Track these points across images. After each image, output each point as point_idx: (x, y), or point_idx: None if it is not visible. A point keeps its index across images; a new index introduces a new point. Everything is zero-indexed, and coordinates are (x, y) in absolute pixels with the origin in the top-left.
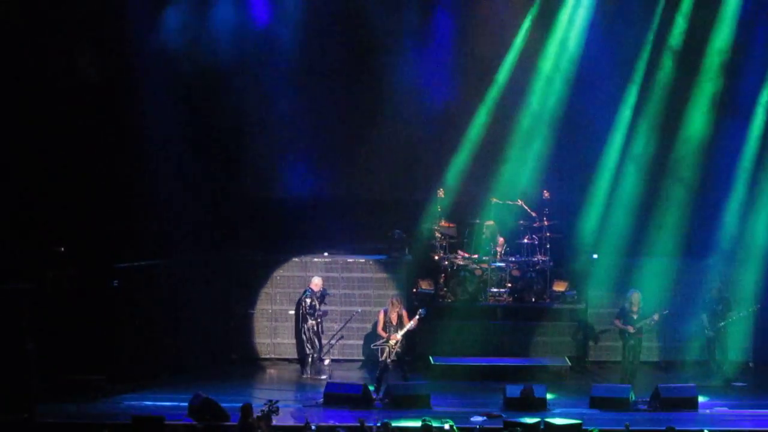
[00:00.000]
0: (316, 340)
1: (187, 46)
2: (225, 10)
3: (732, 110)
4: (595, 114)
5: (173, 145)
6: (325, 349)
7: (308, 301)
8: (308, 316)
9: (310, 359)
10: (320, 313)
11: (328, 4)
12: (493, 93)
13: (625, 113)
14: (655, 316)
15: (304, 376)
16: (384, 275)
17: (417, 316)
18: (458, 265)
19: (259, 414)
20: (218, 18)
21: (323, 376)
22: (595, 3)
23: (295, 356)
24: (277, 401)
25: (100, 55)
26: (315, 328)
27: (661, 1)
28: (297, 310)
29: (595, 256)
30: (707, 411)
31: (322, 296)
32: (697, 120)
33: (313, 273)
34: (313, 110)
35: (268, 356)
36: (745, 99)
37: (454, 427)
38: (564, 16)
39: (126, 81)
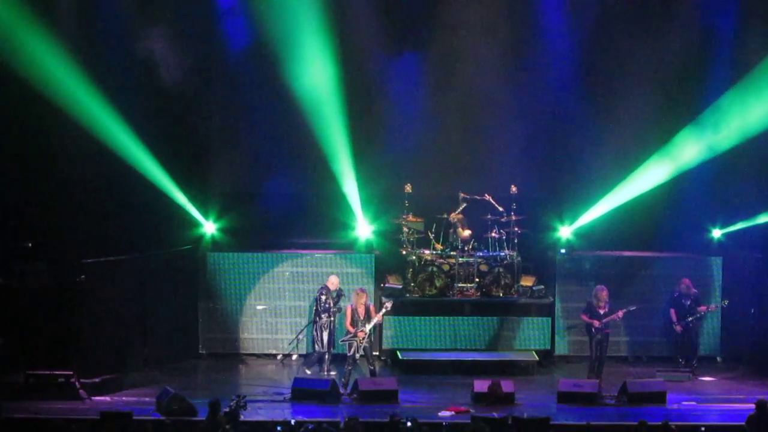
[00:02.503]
0: (326, 338)
1: (162, 49)
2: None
3: (696, 107)
4: (563, 108)
5: (140, 142)
6: (293, 343)
7: (323, 298)
8: (322, 314)
9: (316, 356)
10: (335, 310)
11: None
12: (462, 88)
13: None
14: (622, 311)
15: (321, 372)
16: (352, 270)
17: (383, 310)
18: (426, 260)
19: (227, 410)
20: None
21: (333, 372)
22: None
23: (263, 352)
24: (245, 397)
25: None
26: (326, 325)
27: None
28: (312, 307)
29: (563, 251)
30: (675, 405)
31: (338, 295)
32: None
33: (281, 267)
34: (283, 106)
35: (236, 352)
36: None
37: (416, 422)
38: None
39: (96, 80)
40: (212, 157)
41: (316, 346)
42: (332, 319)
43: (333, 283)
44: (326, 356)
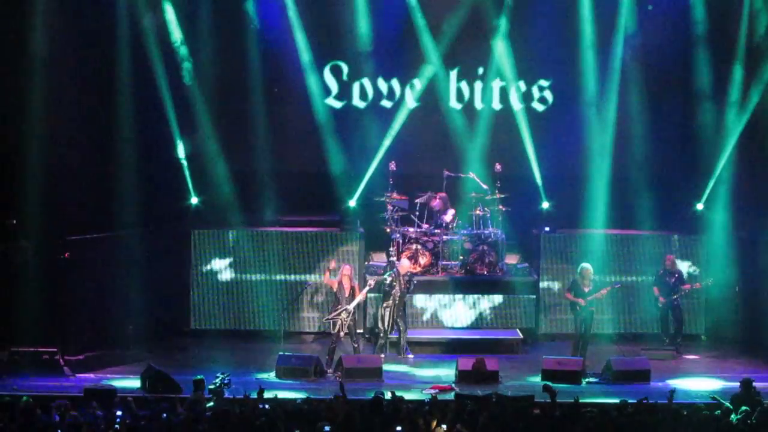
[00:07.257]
0: (386, 320)
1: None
2: None
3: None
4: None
5: (122, 119)
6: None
7: (388, 279)
8: (386, 296)
9: (378, 339)
10: (400, 293)
11: None
12: (446, 65)
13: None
14: (606, 289)
15: (382, 355)
16: (337, 248)
17: (367, 287)
18: (410, 237)
19: (212, 387)
20: None
21: (382, 355)
22: None
23: (248, 329)
24: (229, 374)
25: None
26: (391, 308)
27: None
28: (378, 288)
29: (547, 228)
30: (659, 384)
31: (409, 280)
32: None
33: (267, 244)
34: (269, 82)
35: (222, 328)
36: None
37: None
38: None
39: (89, 61)
40: (195, 133)
41: (376, 328)
42: (395, 303)
43: (404, 267)
44: (378, 339)
